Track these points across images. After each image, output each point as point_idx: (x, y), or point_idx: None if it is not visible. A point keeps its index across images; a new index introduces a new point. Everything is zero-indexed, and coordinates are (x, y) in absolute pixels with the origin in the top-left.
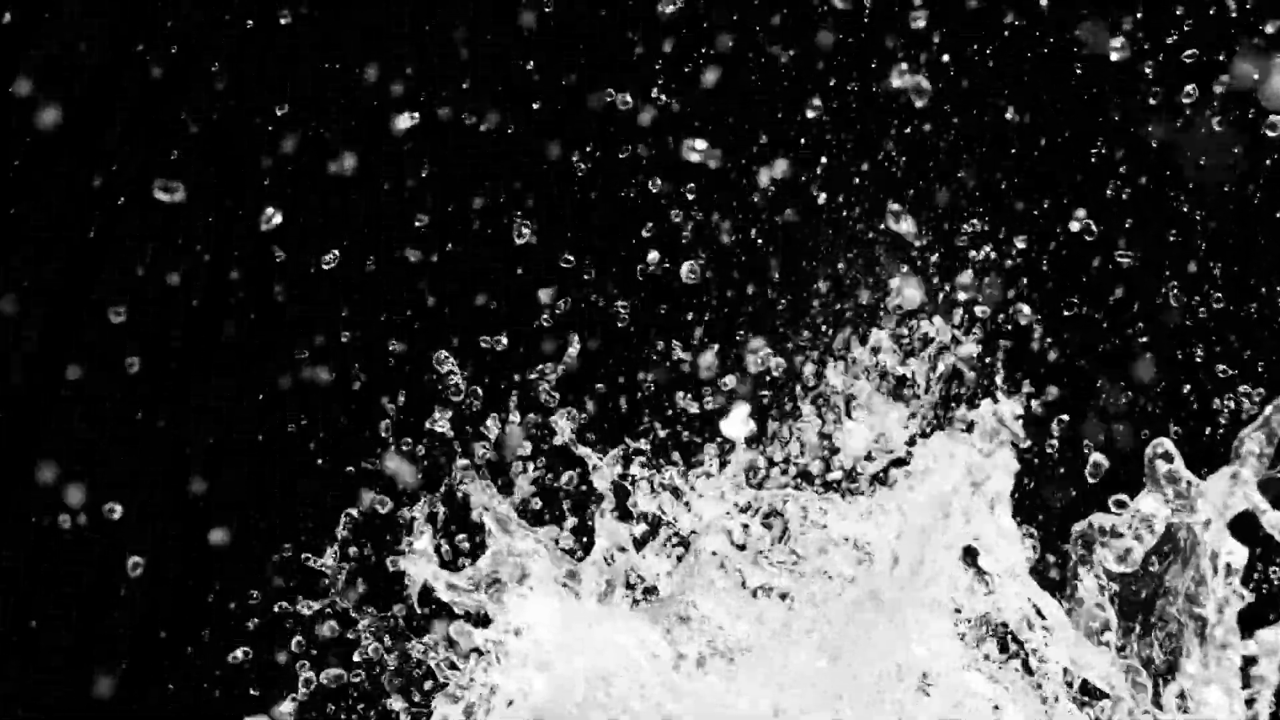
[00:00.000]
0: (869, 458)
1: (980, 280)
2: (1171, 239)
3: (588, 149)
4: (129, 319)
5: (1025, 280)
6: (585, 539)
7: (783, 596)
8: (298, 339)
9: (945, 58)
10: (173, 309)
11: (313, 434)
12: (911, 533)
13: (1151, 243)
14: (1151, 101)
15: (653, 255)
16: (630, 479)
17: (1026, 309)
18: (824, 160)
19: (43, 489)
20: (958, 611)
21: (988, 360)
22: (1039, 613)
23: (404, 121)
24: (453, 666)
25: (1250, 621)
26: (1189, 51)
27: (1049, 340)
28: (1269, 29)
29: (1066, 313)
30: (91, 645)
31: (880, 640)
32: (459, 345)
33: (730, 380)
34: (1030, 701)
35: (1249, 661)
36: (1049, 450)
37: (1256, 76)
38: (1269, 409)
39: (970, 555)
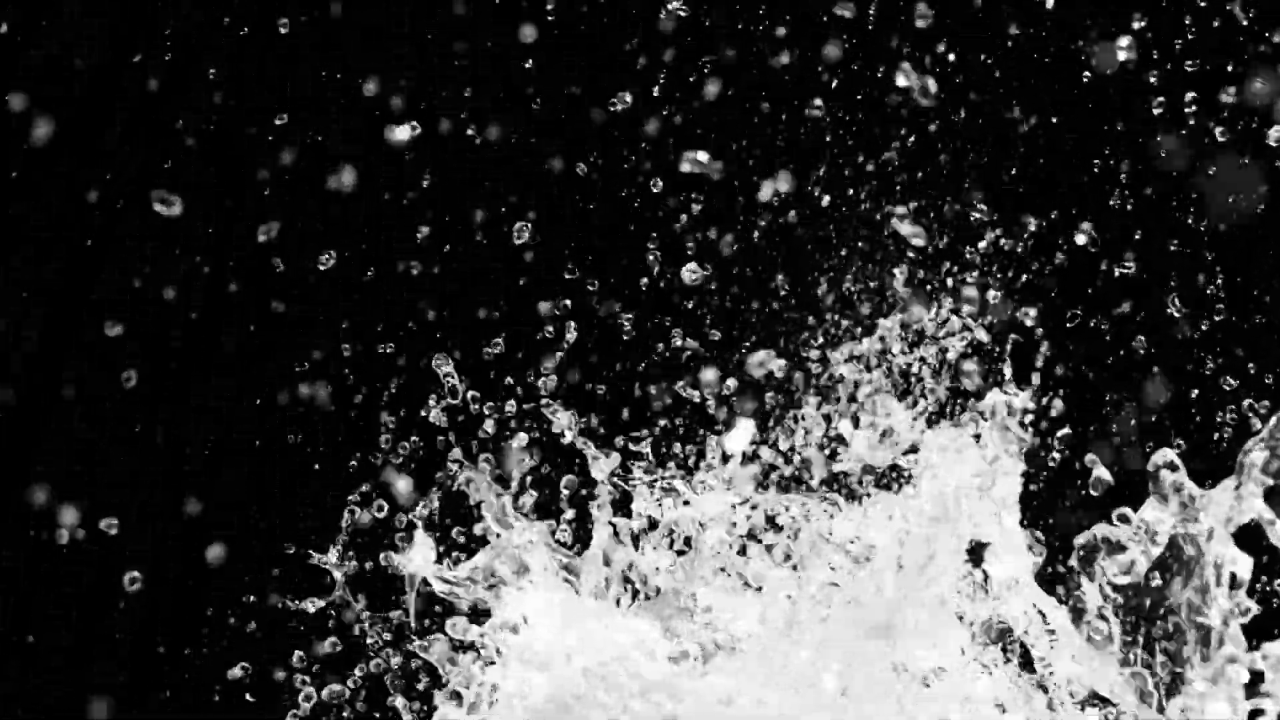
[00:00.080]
0: (871, 466)
1: (984, 296)
2: (1176, 249)
3: (592, 158)
4: (129, 319)
5: (1030, 292)
6: (583, 533)
7: (786, 596)
8: (297, 339)
9: (951, 56)
10: (173, 310)
11: (313, 434)
12: (916, 536)
13: (1157, 254)
14: (1156, 111)
15: (652, 259)
16: (631, 481)
17: (1032, 311)
18: (826, 165)
19: (43, 490)
20: (960, 618)
21: (996, 350)
22: (1044, 619)
23: (404, 132)
24: (452, 663)
25: (1258, 635)
26: (1193, 62)
27: (1054, 350)
28: (1278, 39)
29: (1070, 324)
30: (91, 646)
31: (882, 641)
32: (459, 346)
33: (732, 384)
34: (1034, 705)
35: (1256, 675)
36: (1053, 462)
37: (1261, 86)
38: (1275, 420)
39: (975, 559)
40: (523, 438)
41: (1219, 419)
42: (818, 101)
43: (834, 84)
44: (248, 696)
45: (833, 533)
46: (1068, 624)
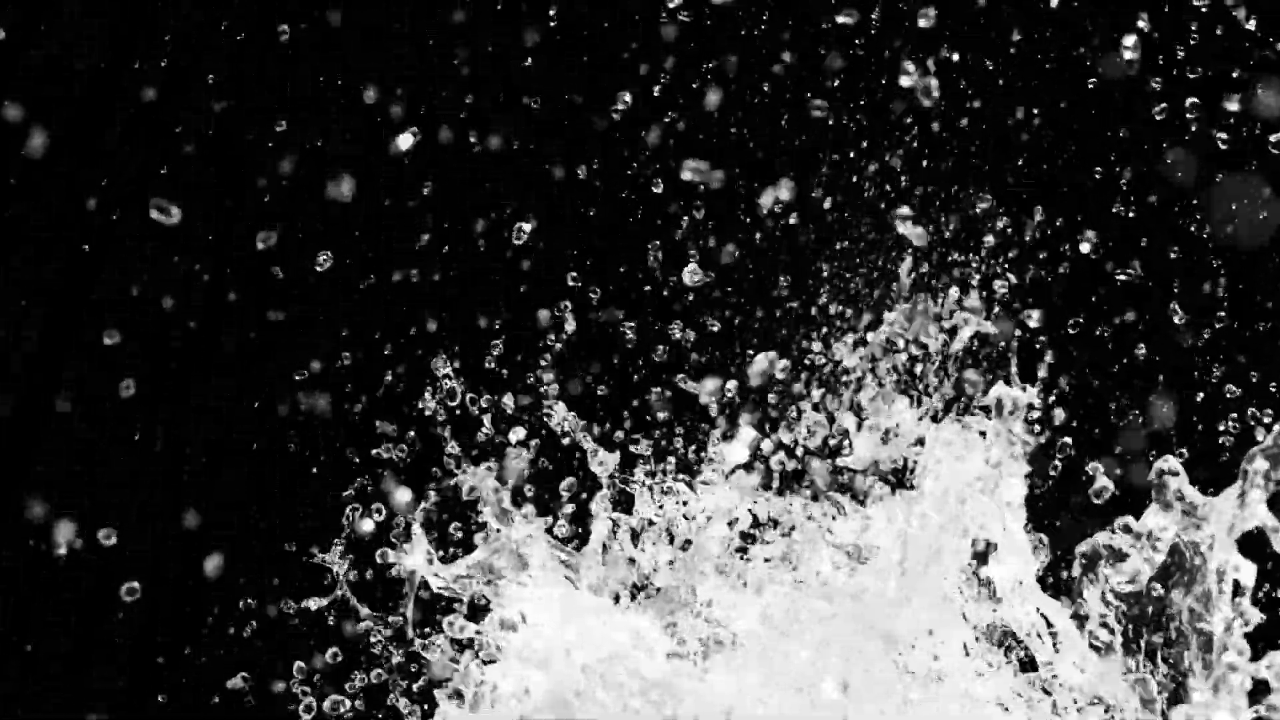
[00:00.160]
0: (875, 465)
1: (991, 308)
2: (1179, 257)
3: (593, 165)
4: (129, 318)
5: (1033, 293)
6: (582, 528)
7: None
8: (297, 340)
9: (954, 57)
10: (173, 310)
11: (312, 437)
12: (919, 537)
13: (1161, 262)
14: (1159, 117)
15: (652, 260)
16: (632, 484)
17: (1036, 314)
18: (827, 166)
19: (43, 491)
20: (965, 616)
21: (1003, 344)
22: (1047, 622)
23: (406, 141)
24: (454, 662)
25: (1262, 643)
26: (1195, 69)
27: (1058, 357)
28: None
29: (1073, 331)
30: (91, 648)
31: (884, 641)
32: (459, 350)
33: (732, 386)
34: (1035, 706)
35: (1260, 684)
36: (1054, 470)
37: (1267, 97)
38: (1279, 430)
39: (979, 561)
40: (520, 431)
41: (1222, 427)
42: (819, 102)
43: (835, 85)
44: (248, 699)
45: (832, 533)
46: (1071, 628)
